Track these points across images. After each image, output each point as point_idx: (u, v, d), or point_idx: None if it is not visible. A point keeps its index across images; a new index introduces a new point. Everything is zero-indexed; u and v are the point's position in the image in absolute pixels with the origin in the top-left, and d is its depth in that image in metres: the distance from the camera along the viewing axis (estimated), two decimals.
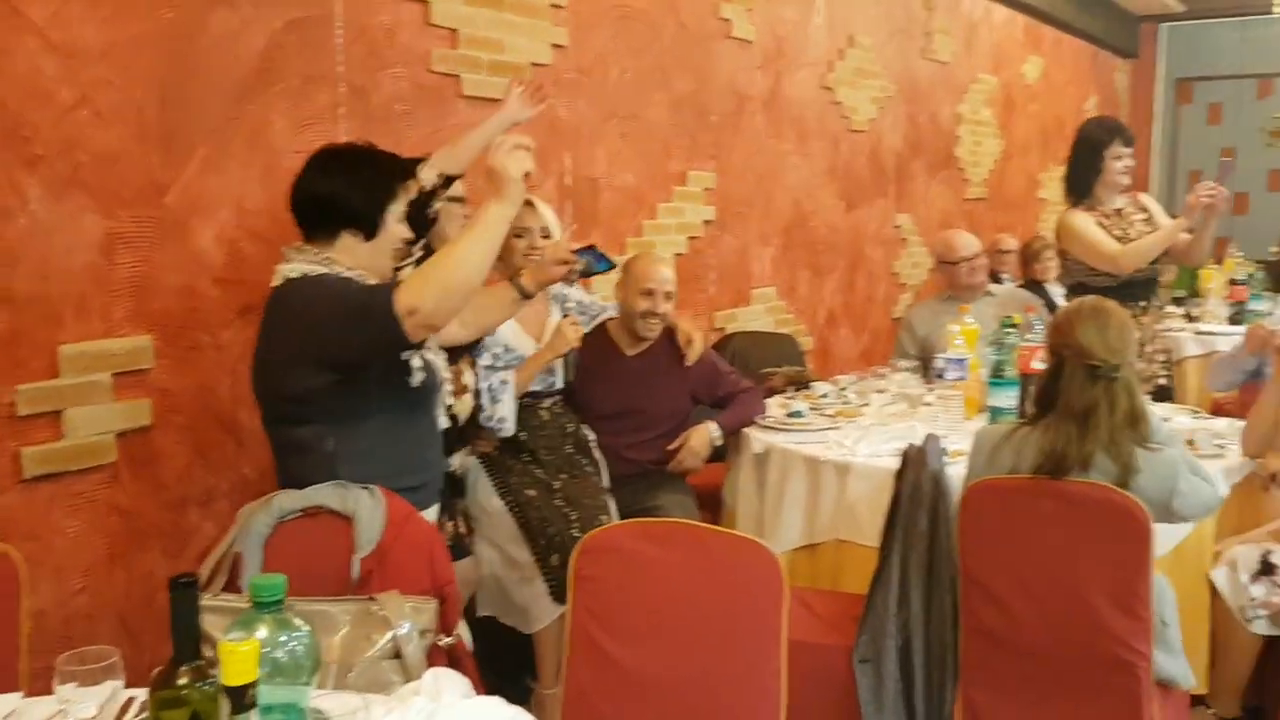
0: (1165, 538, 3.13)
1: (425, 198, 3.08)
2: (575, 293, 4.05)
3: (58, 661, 1.59)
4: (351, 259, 2.63)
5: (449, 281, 2.41)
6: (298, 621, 1.49)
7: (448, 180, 3.20)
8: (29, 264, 2.84)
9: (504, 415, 3.51)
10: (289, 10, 3.42)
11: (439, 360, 2.77)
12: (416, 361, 2.59)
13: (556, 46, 4.46)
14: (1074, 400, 2.83)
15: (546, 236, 3.67)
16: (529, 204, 3.63)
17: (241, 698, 1.27)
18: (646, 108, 5.02)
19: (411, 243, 2.83)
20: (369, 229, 2.63)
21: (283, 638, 1.46)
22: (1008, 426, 2.99)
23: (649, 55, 5.00)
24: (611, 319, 4.11)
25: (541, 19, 4.37)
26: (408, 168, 2.73)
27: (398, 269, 3.03)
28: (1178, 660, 2.91)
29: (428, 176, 3.09)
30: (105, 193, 2.98)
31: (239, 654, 1.26)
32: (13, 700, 1.93)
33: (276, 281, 2.61)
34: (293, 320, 2.53)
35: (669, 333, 4.08)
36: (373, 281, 2.60)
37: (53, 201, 2.87)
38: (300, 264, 2.60)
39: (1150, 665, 2.73)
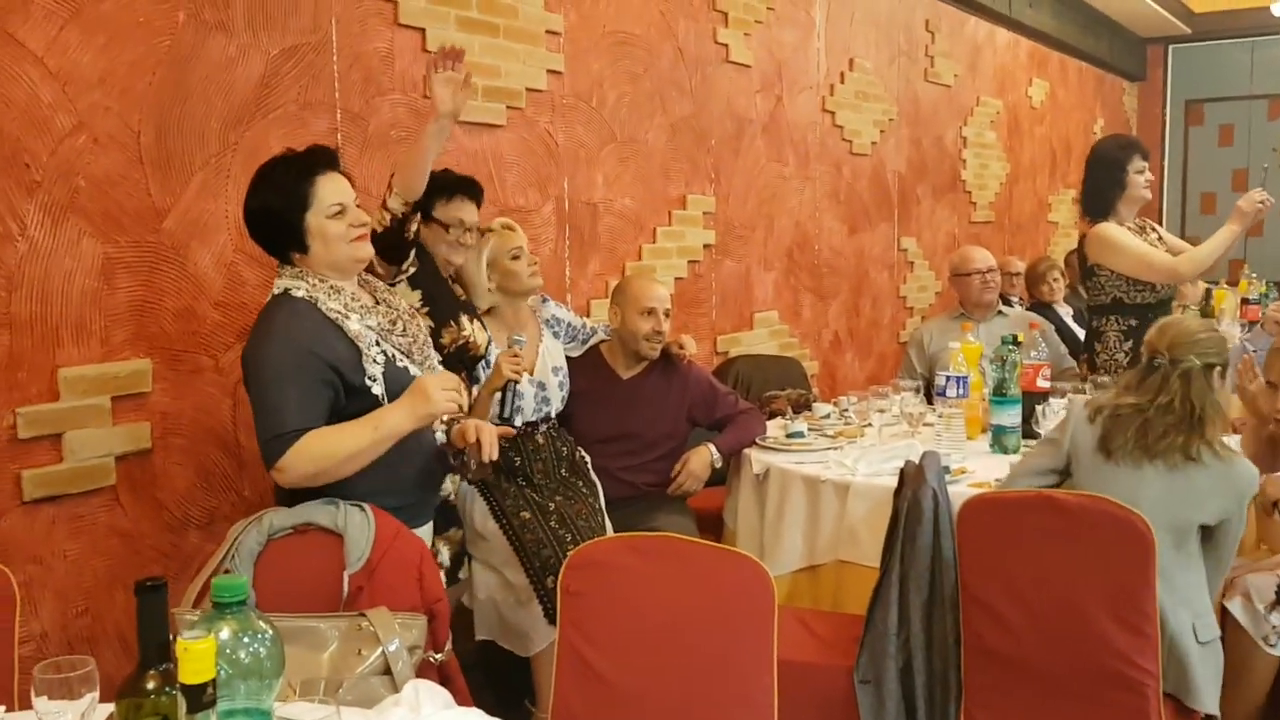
0: None
1: (398, 225, 3.09)
2: (565, 315, 4.06)
3: (35, 671, 1.60)
4: (315, 270, 2.66)
5: (327, 466, 2.50)
6: (262, 624, 1.48)
7: (416, 205, 3.16)
8: (28, 288, 2.88)
9: None
10: (285, 38, 3.46)
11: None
12: (378, 389, 2.59)
13: (553, 72, 4.48)
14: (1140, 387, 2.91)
15: (516, 258, 3.68)
16: (509, 228, 3.70)
17: (199, 696, 1.27)
18: (645, 132, 5.04)
19: (387, 250, 3.02)
20: (298, 246, 2.64)
21: (245, 639, 1.46)
22: (1110, 396, 3.04)
23: (647, 80, 5.02)
24: (604, 342, 4.11)
25: (538, 45, 4.40)
26: (318, 161, 2.67)
27: (392, 283, 3.08)
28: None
29: (395, 205, 3.07)
30: (103, 217, 3.01)
31: (194, 651, 1.26)
32: None
33: (275, 292, 2.67)
34: (251, 353, 2.59)
35: (663, 354, 4.08)
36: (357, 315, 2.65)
37: (51, 226, 2.91)
38: (286, 279, 2.65)
39: (1159, 684, 2.69)
